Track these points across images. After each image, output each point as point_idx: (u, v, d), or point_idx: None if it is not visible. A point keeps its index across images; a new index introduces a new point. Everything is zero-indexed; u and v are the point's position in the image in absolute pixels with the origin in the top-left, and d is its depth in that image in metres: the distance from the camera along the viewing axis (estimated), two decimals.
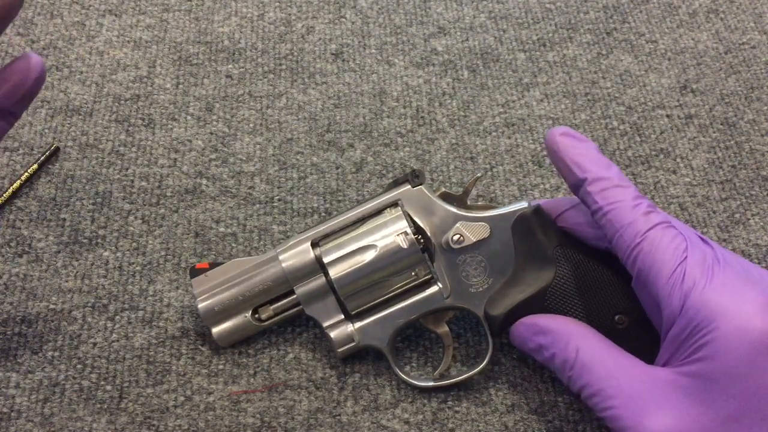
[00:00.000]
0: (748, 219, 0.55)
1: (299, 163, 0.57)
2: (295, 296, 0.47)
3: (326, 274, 0.46)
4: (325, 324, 0.47)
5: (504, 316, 0.45)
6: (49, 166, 0.56)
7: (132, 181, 0.56)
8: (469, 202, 0.48)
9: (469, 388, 0.48)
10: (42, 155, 0.56)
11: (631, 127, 0.59)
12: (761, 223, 0.55)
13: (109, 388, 0.48)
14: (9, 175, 0.55)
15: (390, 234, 0.46)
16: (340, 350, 0.47)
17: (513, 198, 0.56)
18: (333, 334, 0.47)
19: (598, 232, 0.44)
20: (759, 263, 0.53)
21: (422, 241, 0.47)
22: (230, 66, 0.62)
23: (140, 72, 0.61)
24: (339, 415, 0.47)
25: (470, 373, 0.47)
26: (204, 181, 0.56)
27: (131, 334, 0.50)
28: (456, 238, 0.46)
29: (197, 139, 0.58)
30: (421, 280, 0.46)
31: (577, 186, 0.43)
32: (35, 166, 0.55)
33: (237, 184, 0.56)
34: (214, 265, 0.48)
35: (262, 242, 0.53)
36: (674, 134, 0.59)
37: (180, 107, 0.60)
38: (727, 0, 0.66)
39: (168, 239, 0.53)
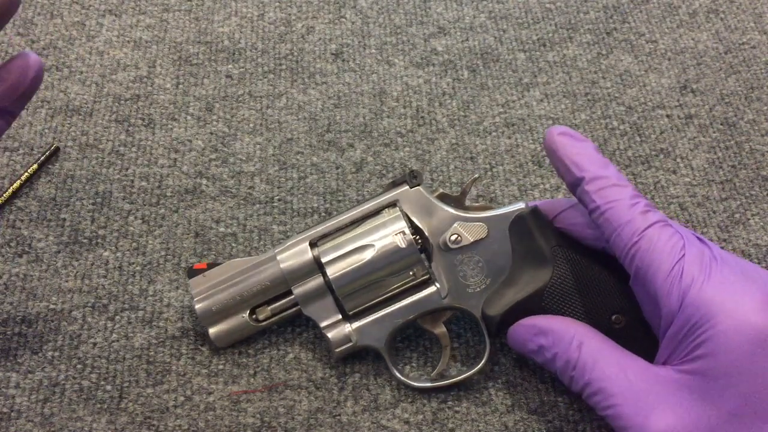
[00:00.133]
0: (748, 219, 0.55)
1: (299, 163, 0.57)
2: (292, 296, 0.47)
3: (324, 274, 0.47)
4: (323, 324, 0.47)
5: (501, 316, 0.45)
6: (49, 166, 0.56)
7: (132, 181, 0.56)
8: (467, 203, 0.48)
9: (469, 388, 0.48)
10: (42, 155, 0.56)
11: (631, 127, 0.59)
12: (761, 223, 0.55)
13: (109, 388, 0.48)
14: (9, 175, 0.55)
15: (388, 234, 0.46)
16: (337, 350, 0.47)
17: (513, 198, 0.56)
18: (330, 334, 0.47)
19: (595, 232, 0.45)
20: (759, 263, 0.53)
21: (420, 241, 0.47)
22: (230, 66, 0.62)
23: (140, 72, 0.61)
24: (339, 415, 0.47)
25: (467, 374, 0.47)
26: (204, 181, 0.56)
27: (131, 334, 0.50)
28: (453, 238, 0.46)
29: (197, 139, 0.58)
30: (418, 281, 0.47)
31: (574, 185, 0.43)
32: (35, 166, 0.55)
33: (237, 184, 0.56)
34: (212, 265, 0.48)
35: (262, 242, 0.53)
36: (674, 134, 0.59)
37: (180, 107, 0.60)
38: (727, 0, 0.66)
39: (168, 239, 0.53)
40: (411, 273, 0.46)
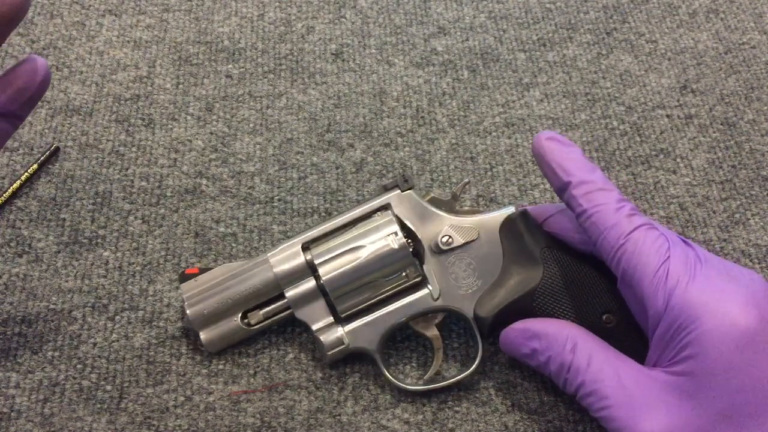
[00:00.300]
0: (748, 219, 0.55)
1: (299, 163, 0.57)
2: (284, 300, 0.47)
3: (317, 277, 0.47)
4: (315, 327, 0.47)
5: (493, 317, 0.46)
6: (49, 166, 0.56)
7: (132, 181, 0.56)
8: (457, 207, 0.49)
9: (468, 388, 0.48)
10: (42, 155, 0.56)
11: (631, 127, 0.59)
12: (761, 223, 0.55)
13: (109, 388, 0.48)
14: (9, 175, 0.55)
15: (380, 236, 0.47)
16: (329, 353, 0.47)
17: (513, 198, 0.56)
18: (323, 337, 0.47)
19: (583, 236, 0.45)
20: (759, 263, 0.53)
21: (412, 243, 0.47)
22: (230, 66, 0.62)
23: (140, 72, 0.61)
24: (339, 415, 0.47)
25: (460, 376, 0.47)
26: (204, 181, 0.56)
27: (131, 334, 0.50)
28: (445, 239, 0.47)
29: (197, 139, 0.58)
30: (411, 282, 0.47)
31: (562, 189, 0.44)
32: (35, 166, 0.55)
33: (237, 184, 0.56)
34: (203, 270, 0.48)
35: (262, 242, 0.54)
36: (674, 134, 0.59)
37: (180, 107, 0.60)
38: (727, 0, 0.66)
39: (168, 239, 0.53)
40: (404, 274, 0.47)
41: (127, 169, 0.56)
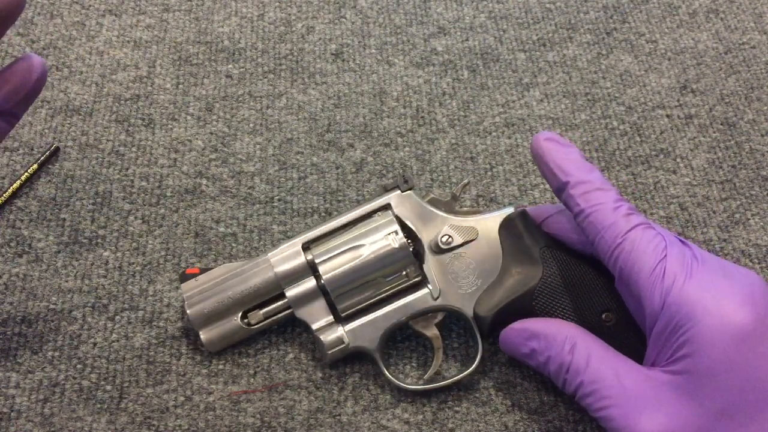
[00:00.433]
0: (748, 219, 0.55)
1: (299, 163, 0.57)
2: (285, 300, 0.47)
3: (317, 277, 0.47)
4: (315, 327, 0.47)
5: (493, 317, 0.46)
6: (49, 166, 0.56)
7: (132, 181, 0.56)
8: (457, 208, 0.49)
9: (468, 388, 0.48)
10: (42, 155, 0.56)
11: (631, 127, 0.59)
12: (761, 223, 0.55)
13: (109, 388, 0.48)
14: (9, 175, 0.55)
15: (381, 236, 0.47)
16: (329, 352, 0.47)
17: (513, 198, 0.56)
18: (323, 336, 0.47)
19: (582, 236, 0.45)
20: (759, 263, 0.53)
21: (411, 243, 0.47)
22: (230, 66, 0.62)
23: (140, 72, 0.61)
24: (339, 415, 0.47)
25: (460, 376, 0.47)
26: (204, 181, 0.56)
27: (131, 334, 0.50)
28: (445, 239, 0.47)
29: (197, 139, 0.58)
30: (411, 282, 0.47)
31: (560, 189, 0.44)
32: (35, 166, 0.55)
33: (237, 184, 0.56)
34: (204, 270, 0.48)
35: (262, 242, 0.54)
36: (674, 134, 0.59)
37: (180, 107, 0.60)
38: (727, 0, 0.66)
39: (168, 239, 0.53)
40: (404, 274, 0.47)
41: (127, 169, 0.56)
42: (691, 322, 0.38)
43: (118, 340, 0.49)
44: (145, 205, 0.55)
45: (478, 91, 0.61)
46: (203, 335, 0.47)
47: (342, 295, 0.46)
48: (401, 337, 0.50)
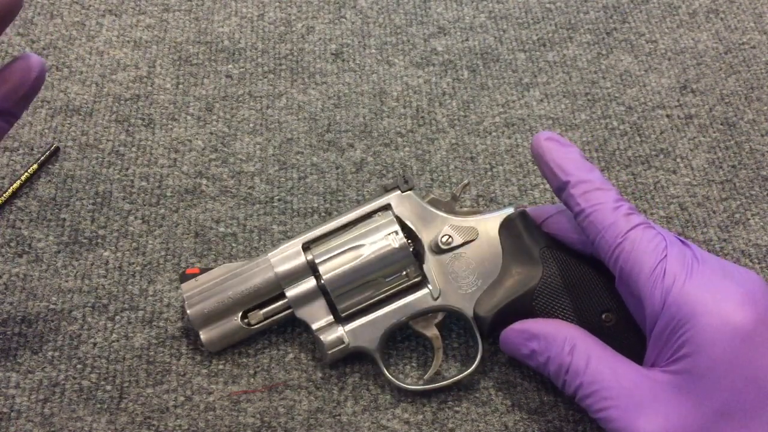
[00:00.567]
0: (748, 219, 0.55)
1: (299, 163, 0.57)
2: (285, 300, 0.47)
3: (317, 277, 0.47)
4: (315, 326, 0.47)
5: (493, 317, 0.46)
6: (49, 166, 0.56)
7: (132, 181, 0.56)
8: (457, 208, 0.49)
9: (468, 388, 0.48)
10: (42, 155, 0.56)
11: (631, 127, 0.59)
12: (761, 223, 0.55)
13: (109, 388, 0.48)
14: (9, 175, 0.55)
15: (381, 235, 0.47)
16: (330, 352, 0.47)
17: (513, 198, 0.56)
18: (323, 336, 0.47)
19: (582, 236, 0.45)
20: (759, 263, 0.53)
21: (412, 243, 0.47)
22: (230, 66, 0.62)
23: (140, 72, 0.61)
24: (339, 415, 0.47)
25: (460, 376, 0.47)
26: (204, 181, 0.56)
27: (131, 334, 0.50)
28: (445, 239, 0.47)
29: (197, 139, 0.58)
30: (411, 282, 0.47)
31: (560, 189, 0.44)
32: (35, 166, 0.55)
33: (237, 184, 0.56)
34: (204, 270, 0.48)
35: (262, 242, 0.53)
36: (674, 134, 0.59)
37: (180, 107, 0.60)
38: (727, 0, 0.66)
39: (168, 239, 0.53)
40: (404, 274, 0.47)
41: (127, 169, 0.56)
42: (691, 321, 0.38)
43: (118, 340, 0.49)
44: (145, 205, 0.55)
45: (478, 91, 0.61)
46: (203, 335, 0.47)
47: (342, 295, 0.46)
48: (401, 337, 0.50)
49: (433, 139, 0.58)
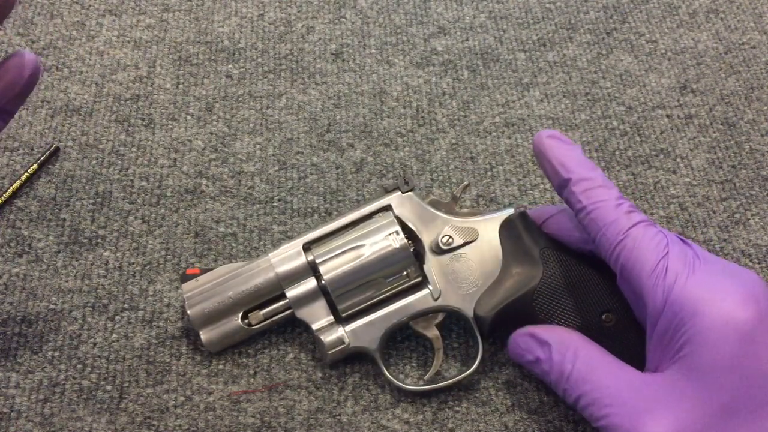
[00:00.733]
0: (748, 219, 0.55)
1: (299, 163, 0.57)
2: (285, 300, 0.47)
3: (318, 277, 0.47)
4: (315, 327, 0.47)
5: (493, 317, 0.46)
6: (49, 166, 0.56)
7: (132, 181, 0.56)
8: (457, 209, 0.49)
9: (468, 388, 0.48)
10: (42, 155, 0.56)
11: (631, 127, 0.59)
12: (761, 223, 0.55)
13: (109, 388, 0.48)
14: (9, 175, 0.55)
15: (381, 236, 0.47)
16: (330, 352, 0.47)
17: (513, 198, 0.56)
18: (323, 336, 0.47)
19: (581, 235, 0.45)
20: (759, 263, 0.53)
21: (412, 243, 0.47)
22: (230, 66, 0.62)
23: (140, 72, 0.61)
24: (339, 415, 0.47)
25: (460, 376, 0.47)
26: (204, 181, 0.56)
27: (131, 334, 0.50)
28: (445, 239, 0.47)
29: (197, 139, 0.58)
30: (411, 282, 0.47)
31: (562, 186, 0.44)
32: (35, 166, 0.55)
33: (237, 184, 0.56)
34: (205, 271, 0.48)
35: (262, 242, 0.53)
36: (674, 134, 0.59)
37: (180, 107, 0.60)
38: (727, 0, 0.66)
39: (168, 239, 0.53)
40: (404, 274, 0.47)
41: (127, 169, 0.56)
42: (693, 319, 0.38)
43: (118, 340, 0.49)
44: (145, 205, 0.55)
45: (478, 91, 0.61)
46: (203, 335, 0.47)
47: (343, 296, 0.46)
48: (401, 338, 0.50)
49: (433, 139, 0.58)
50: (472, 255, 0.47)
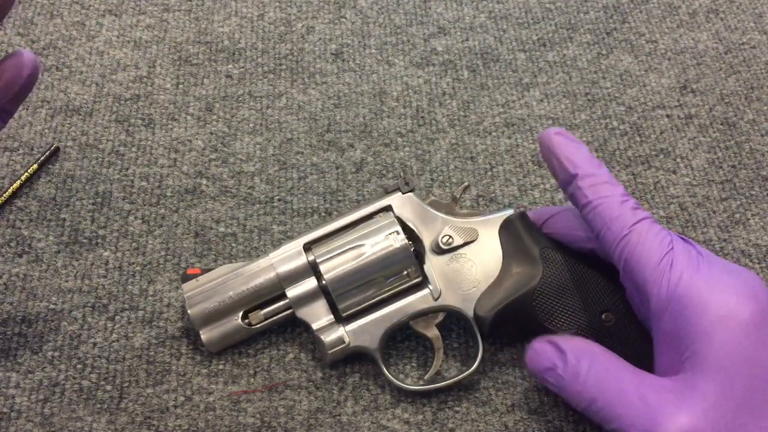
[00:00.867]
0: (748, 219, 0.55)
1: (299, 163, 0.57)
2: (286, 300, 0.47)
3: (318, 277, 0.47)
4: (316, 326, 0.47)
5: (493, 317, 0.46)
6: (49, 166, 0.56)
7: (132, 181, 0.56)
8: (457, 210, 0.49)
9: (469, 388, 0.48)
10: (42, 155, 0.56)
11: (631, 127, 0.59)
12: (761, 223, 0.55)
13: (109, 388, 0.48)
14: (9, 175, 0.55)
15: (382, 236, 0.47)
16: (330, 352, 0.47)
17: (513, 198, 0.56)
18: (323, 336, 0.47)
19: (582, 235, 0.46)
20: (759, 263, 0.53)
21: (412, 243, 0.47)
22: (230, 66, 0.62)
23: (140, 72, 0.61)
24: (339, 415, 0.47)
25: (460, 376, 0.47)
26: (204, 181, 0.56)
27: (131, 334, 0.50)
28: (445, 239, 0.47)
29: (197, 139, 0.58)
30: (412, 282, 0.47)
31: (568, 182, 0.44)
32: (35, 166, 0.55)
33: (237, 184, 0.56)
34: (205, 271, 0.48)
35: (262, 242, 0.53)
36: (674, 134, 0.59)
37: (180, 107, 0.60)
38: (727, 0, 0.66)
39: (168, 239, 0.53)
40: (405, 274, 0.47)
41: (127, 169, 0.56)
42: (699, 316, 0.38)
43: (118, 340, 0.49)
44: (145, 205, 0.55)
45: (478, 91, 0.61)
46: (204, 335, 0.48)
47: (343, 295, 0.46)
48: (401, 338, 0.50)
49: (433, 139, 0.58)
50: (473, 255, 0.47)
